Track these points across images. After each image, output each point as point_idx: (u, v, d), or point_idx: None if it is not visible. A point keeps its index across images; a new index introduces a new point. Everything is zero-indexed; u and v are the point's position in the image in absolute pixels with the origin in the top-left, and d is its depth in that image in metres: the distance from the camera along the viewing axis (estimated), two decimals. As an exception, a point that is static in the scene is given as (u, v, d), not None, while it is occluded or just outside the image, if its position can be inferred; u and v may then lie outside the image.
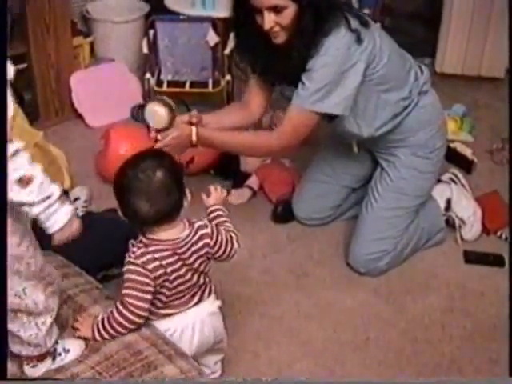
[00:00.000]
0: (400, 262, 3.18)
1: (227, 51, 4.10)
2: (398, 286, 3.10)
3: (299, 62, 2.70)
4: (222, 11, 4.36)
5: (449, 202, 3.36)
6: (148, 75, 4.12)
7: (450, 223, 3.38)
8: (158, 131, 2.71)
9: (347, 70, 2.70)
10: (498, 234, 3.40)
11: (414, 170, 3.12)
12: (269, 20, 2.60)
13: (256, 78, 3.02)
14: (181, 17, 4.14)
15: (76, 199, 3.25)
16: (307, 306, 2.97)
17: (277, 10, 2.58)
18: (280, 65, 2.78)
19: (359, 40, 2.67)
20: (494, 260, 3.24)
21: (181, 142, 2.74)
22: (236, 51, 3.07)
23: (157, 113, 2.69)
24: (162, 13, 4.38)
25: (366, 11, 4.67)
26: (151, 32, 4.03)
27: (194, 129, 2.76)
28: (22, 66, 3.96)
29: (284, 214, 3.48)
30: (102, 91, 4.41)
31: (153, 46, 4.08)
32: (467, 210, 3.35)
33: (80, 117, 4.35)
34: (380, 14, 4.66)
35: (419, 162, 3.12)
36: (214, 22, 3.96)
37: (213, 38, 3.91)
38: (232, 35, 4.16)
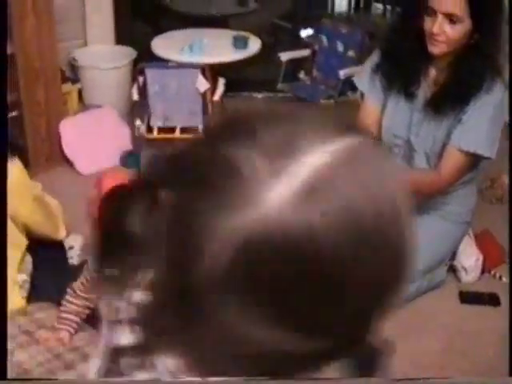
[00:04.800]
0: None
1: (216, 97, 4.13)
2: (395, 328, 3.08)
3: (460, 88, 2.75)
4: (210, 57, 4.44)
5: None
6: (138, 122, 4.13)
7: (451, 268, 3.39)
8: None
9: (502, 115, 2.78)
10: (492, 272, 3.42)
11: (436, 231, 3.10)
12: (440, 25, 2.62)
13: (376, 104, 3.04)
14: (170, 63, 4.18)
15: (70, 248, 3.24)
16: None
17: (452, 19, 2.61)
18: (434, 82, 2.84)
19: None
20: (490, 299, 3.25)
21: None
22: (378, 63, 3.01)
23: None
24: (149, 59, 4.42)
25: (351, 54, 4.75)
26: (140, 79, 4.06)
27: None
28: (14, 113, 3.97)
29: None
30: (92, 138, 4.42)
31: (142, 92, 4.10)
32: (471, 259, 3.35)
33: (70, 163, 4.36)
34: (366, 56, 4.70)
35: (445, 226, 3.13)
36: (203, 68, 3.99)
37: (203, 83, 3.94)
38: (221, 81, 4.21)
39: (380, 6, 7.38)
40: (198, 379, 0.90)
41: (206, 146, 0.67)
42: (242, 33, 4.84)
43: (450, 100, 2.79)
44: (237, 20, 5.89)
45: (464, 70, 2.72)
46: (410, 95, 2.92)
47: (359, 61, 4.69)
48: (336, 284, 0.63)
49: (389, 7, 7.20)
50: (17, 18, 3.89)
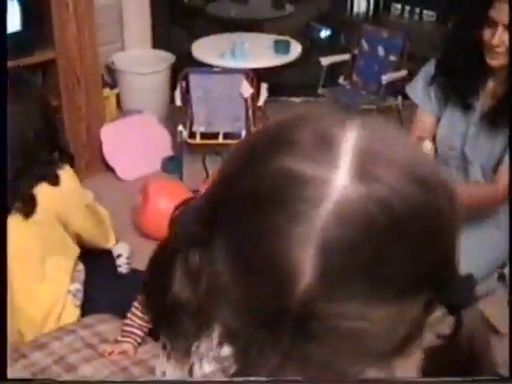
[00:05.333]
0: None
1: (260, 102, 4.09)
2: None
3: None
4: (253, 62, 4.39)
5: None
6: (180, 127, 4.09)
7: (501, 277, 3.32)
8: None
9: None
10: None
11: (487, 240, 2.97)
12: (500, 36, 2.54)
13: (431, 115, 2.95)
14: (214, 69, 4.14)
15: (118, 256, 3.19)
16: None
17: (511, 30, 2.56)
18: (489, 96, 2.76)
19: None
20: (542, 309, 3.18)
21: None
22: (433, 75, 2.89)
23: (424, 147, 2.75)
24: (188, 63, 4.39)
25: (393, 58, 4.70)
26: (183, 84, 4.02)
27: None
28: (56, 119, 3.96)
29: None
30: (133, 144, 4.39)
31: (185, 97, 4.06)
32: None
33: (111, 169, 4.33)
34: (407, 61, 4.66)
35: (496, 235, 2.95)
36: (247, 73, 3.95)
37: (247, 89, 3.90)
38: (264, 86, 4.17)
39: (399, 6, 7.29)
40: (198, 380, 0.86)
41: (254, 165, 0.67)
42: (283, 37, 4.80)
43: (506, 114, 2.72)
44: (273, 24, 5.84)
45: None
46: (467, 107, 2.85)
47: (400, 66, 4.65)
48: (432, 234, 0.67)
49: (408, 8, 7.12)
50: (58, 24, 3.88)
